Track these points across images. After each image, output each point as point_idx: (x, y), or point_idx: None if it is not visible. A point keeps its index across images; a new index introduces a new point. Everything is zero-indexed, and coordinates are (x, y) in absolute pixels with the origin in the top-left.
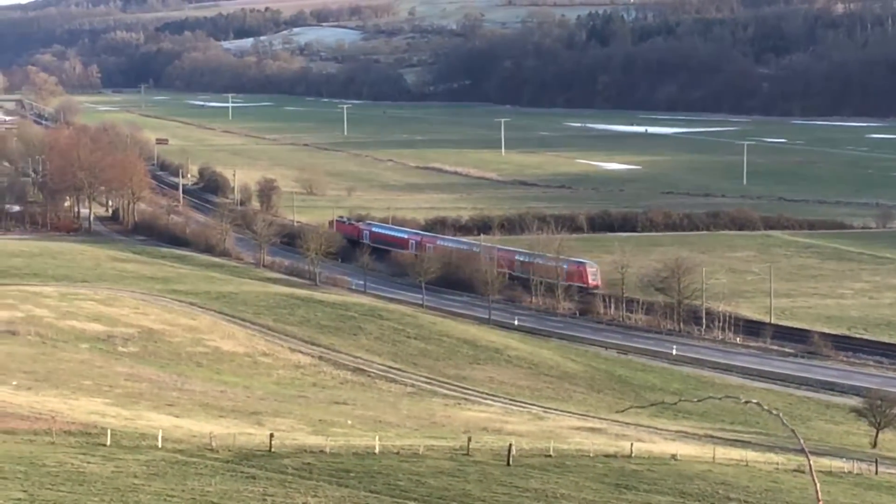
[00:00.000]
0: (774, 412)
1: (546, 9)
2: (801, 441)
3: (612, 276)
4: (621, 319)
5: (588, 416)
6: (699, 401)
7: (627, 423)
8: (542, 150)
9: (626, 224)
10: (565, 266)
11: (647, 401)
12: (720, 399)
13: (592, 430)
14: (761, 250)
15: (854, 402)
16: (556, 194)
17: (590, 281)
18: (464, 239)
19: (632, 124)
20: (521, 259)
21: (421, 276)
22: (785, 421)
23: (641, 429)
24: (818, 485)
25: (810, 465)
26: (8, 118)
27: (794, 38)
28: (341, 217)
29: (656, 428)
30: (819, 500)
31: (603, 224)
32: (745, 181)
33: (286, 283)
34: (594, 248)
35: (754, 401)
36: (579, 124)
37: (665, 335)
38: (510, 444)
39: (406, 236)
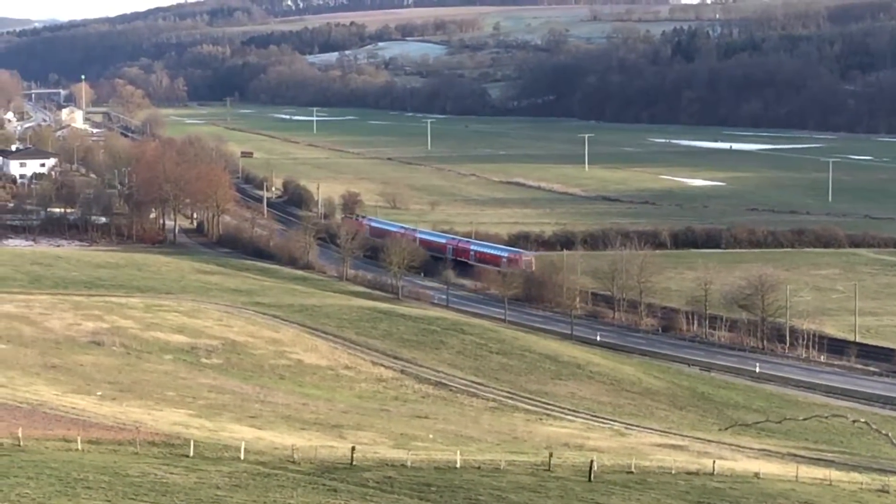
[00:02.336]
0: (884, 432)
1: (631, 24)
2: None
3: (696, 293)
4: (704, 336)
5: (670, 432)
6: (805, 419)
7: (709, 441)
8: (626, 165)
9: (709, 240)
10: (505, 254)
11: (729, 418)
12: (826, 418)
13: (674, 447)
14: (846, 268)
15: None
16: (639, 210)
17: (523, 267)
18: (439, 233)
19: (716, 140)
20: (475, 248)
21: (504, 291)
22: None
23: (724, 446)
24: None
25: None
26: (95, 130)
27: (881, 54)
28: (350, 214)
29: (739, 446)
30: None
31: (686, 240)
32: (830, 198)
33: (369, 296)
34: (677, 264)
35: (863, 420)
36: (663, 140)
37: (748, 352)
38: (592, 460)
39: (395, 230)
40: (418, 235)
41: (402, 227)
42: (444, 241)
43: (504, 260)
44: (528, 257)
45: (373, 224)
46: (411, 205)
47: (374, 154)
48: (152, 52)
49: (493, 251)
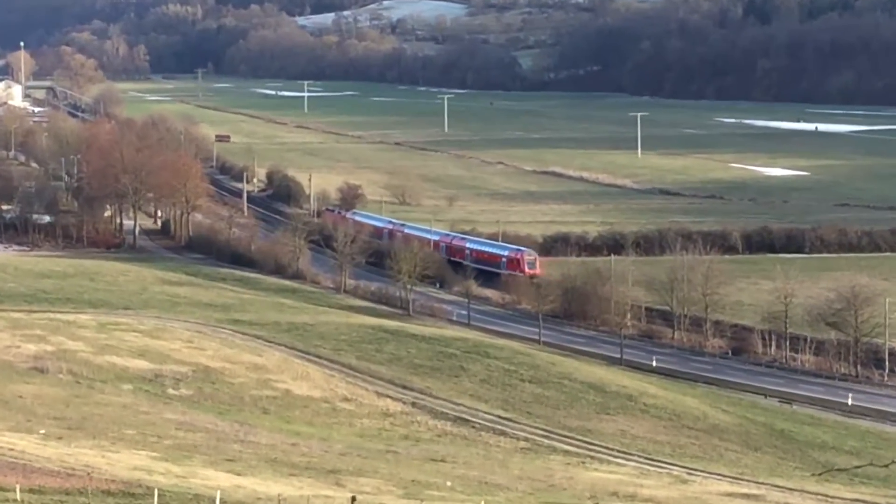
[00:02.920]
0: None
1: None
2: None
3: (774, 308)
4: (784, 361)
5: (742, 479)
6: None
7: (790, 489)
8: (688, 151)
9: (790, 243)
10: (505, 253)
11: (815, 461)
12: None
13: (747, 496)
14: None
15: None
16: (704, 206)
17: (526, 270)
18: (431, 228)
19: (798, 120)
20: (471, 247)
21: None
22: None
23: (808, 496)
24: None
25: None
26: (37, 109)
27: None
28: (330, 207)
29: (826, 495)
30: None
31: (762, 243)
32: None
33: (373, 312)
34: (751, 272)
35: None
36: (733, 120)
37: (838, 381)
38: None
39: (381, 225)
40: (406, 231)
41: (389, 222)
42: (437, 238)
43: (503, 260)
44: (532, 257)
45: (356, 219)
46: (424, 199)
47: (379, 138)
48: (107, 14)
49: (491, 250)
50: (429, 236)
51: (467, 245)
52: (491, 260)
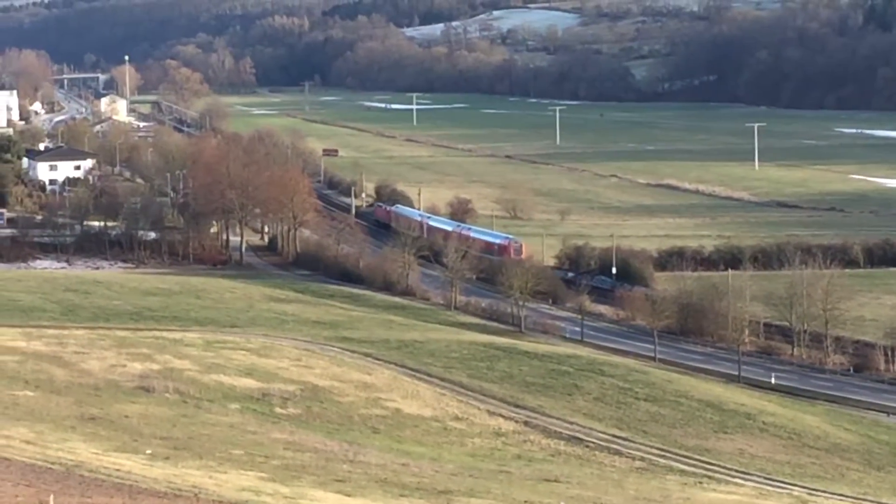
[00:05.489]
0: None
1: None
2: None
3: None
4: None
5: (865, 499)
6: None
7: None
8: (807, 162)
9: None
10: (497, 241)
11: None
12: None
13: None
14: None
15: None
16: (824, 219)
17: (512, 255)
18: (449, 220)
19: None
20: (474, 236)
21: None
22: None
23: None
24: None
25: None
26: (142, 124)
27: None
28: (380, 203)
29: None
30: None
31: (884, 257)
32: None
33: (484, 329)
34: (873, 286)
35: None
36: (854, 130)
37: None
38: None
39: (418, 218)
40: (429, 223)
41: (420, 215)
42: (450, 228)
43: (495, 247)
44: (518, 244)
45: (396, 212)
46: (536, 214)
47: (490, 151)
48: (212, 27)
49: (487, 238)
50: (445, 227)
51: (470, 234)
52: (487, 248)
